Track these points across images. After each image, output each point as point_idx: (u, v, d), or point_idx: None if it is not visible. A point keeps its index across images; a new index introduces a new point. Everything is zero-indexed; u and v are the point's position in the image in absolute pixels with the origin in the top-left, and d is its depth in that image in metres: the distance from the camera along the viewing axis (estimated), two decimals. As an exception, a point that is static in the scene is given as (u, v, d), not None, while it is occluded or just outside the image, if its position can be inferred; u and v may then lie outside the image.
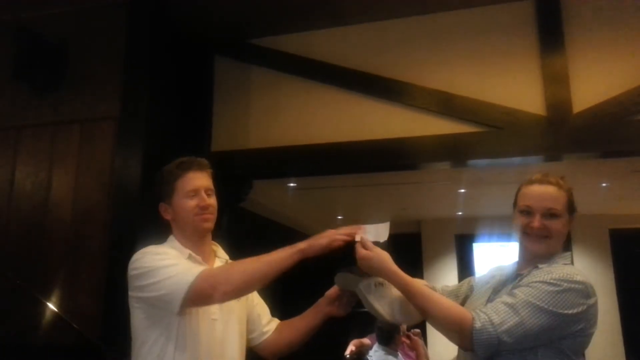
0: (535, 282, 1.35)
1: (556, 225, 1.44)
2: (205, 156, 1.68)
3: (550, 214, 1.44)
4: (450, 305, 1.37)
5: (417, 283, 1.44)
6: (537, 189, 1.48)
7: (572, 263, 1.50)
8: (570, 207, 1.47)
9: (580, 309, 1.32)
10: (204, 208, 1.58)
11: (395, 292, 1.46)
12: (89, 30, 3.10)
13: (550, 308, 1.29)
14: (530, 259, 1.48)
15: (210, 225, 1.62)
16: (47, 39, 3.02)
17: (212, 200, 1.62)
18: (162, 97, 3.02)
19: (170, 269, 1.45)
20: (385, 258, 1.43)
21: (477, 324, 1.28)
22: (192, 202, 1.57)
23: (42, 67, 3.00)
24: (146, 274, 1.47)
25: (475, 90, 3.00)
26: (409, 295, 1.40)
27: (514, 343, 1.28)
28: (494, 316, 1.29)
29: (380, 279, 1.48)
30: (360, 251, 1.45)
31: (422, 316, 1.46)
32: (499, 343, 1.27)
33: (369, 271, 1.46)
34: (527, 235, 1.46)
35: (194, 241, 1.61)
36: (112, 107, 2.90)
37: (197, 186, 1.58)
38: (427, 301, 1.37)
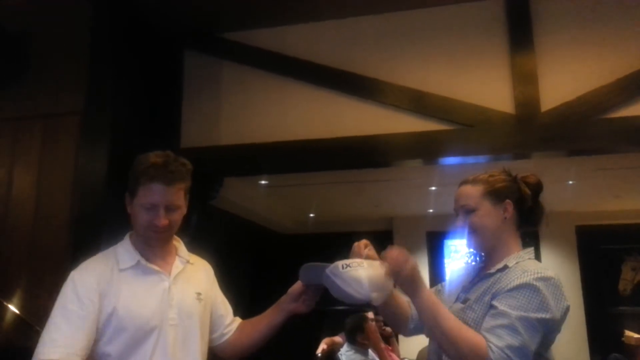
0: (515, 287, 1.32)
1: (474, 218, 1.45)
2: (174, 153, 1.53)
3: (465, 211, 1.47)
4: (468, 330, 1.32)
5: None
6: (455, 193, 1.51)
7: (535, 258, 1.50)
8: (493, 196, 1.45)
9: (563, 309, 1.32)
10: (156, 227, 1.44)
11: (362, 270, 1.35)
12: (53, 22, 3.00)
13: (542, 315, 1.28)
14: (492, 257, 1.48)
15: (163, 242, 1.51)
16: (8, 30, 2.91)
17: (174, 216, 1.46)
18: (128, 92, 2.93)
19: (50, 330, 1.39)
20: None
21: (492, 355, 1.24)
22: (146, 216, 1.44)
23: (3, 60, 2.90)
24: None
25: (446, 88, 3.01)
26: (431, 312, 1.33)
27: None
28: (500, 343, 1.25)
29: (348, 261, 1.38)
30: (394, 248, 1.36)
31: (391, 286, 1.38)
32: None
33: (399, 266, 1.33)
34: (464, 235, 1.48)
35: (149, 242, 1.52)
36: (76, 102, 2.80)
37: (155, 202, 1.42)
38: (448, 323, 1.31)
